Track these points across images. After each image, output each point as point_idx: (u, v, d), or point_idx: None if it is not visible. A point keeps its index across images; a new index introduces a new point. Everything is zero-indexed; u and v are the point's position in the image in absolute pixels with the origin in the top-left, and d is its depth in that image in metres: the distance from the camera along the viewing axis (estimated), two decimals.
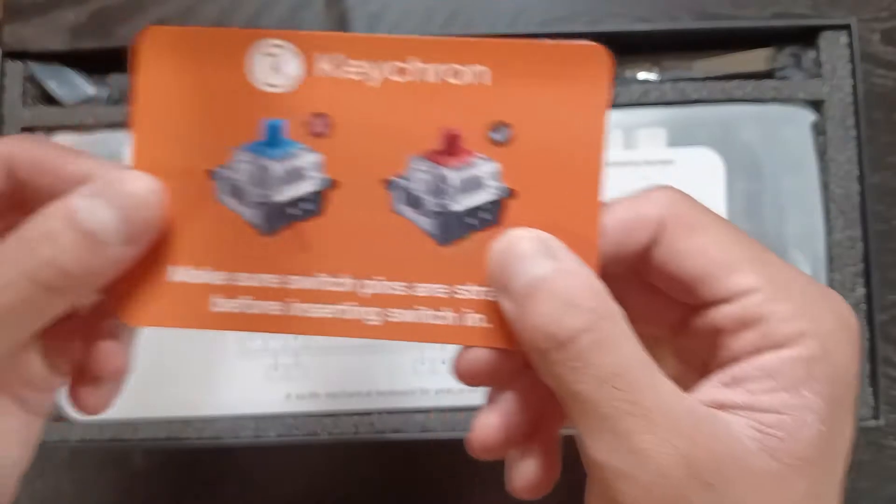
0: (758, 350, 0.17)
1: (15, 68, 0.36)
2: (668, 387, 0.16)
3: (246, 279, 0.19)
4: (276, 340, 0.35)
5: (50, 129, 0.36)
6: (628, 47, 0.37)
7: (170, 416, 0.35)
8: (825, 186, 0.36)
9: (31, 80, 0.37)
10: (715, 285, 0.17)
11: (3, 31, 0.42)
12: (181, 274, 0.19)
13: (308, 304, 0.19)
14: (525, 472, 0.20)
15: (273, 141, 0.19)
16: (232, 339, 0.35)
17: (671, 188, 0.19)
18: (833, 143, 0.36)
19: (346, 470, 0.41)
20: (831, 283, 0.36)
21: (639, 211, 0.18)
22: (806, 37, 0.37)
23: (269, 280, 0.19)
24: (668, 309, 0.19)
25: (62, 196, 0.17)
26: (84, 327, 0.20)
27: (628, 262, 0.18)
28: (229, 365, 0.35)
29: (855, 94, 0.36)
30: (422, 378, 0.35)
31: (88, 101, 0.37)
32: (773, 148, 0.36)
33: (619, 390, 0.16)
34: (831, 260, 0.36)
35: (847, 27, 0.36)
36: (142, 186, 0.18)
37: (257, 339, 0.35)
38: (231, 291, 0.19)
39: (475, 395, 0.36)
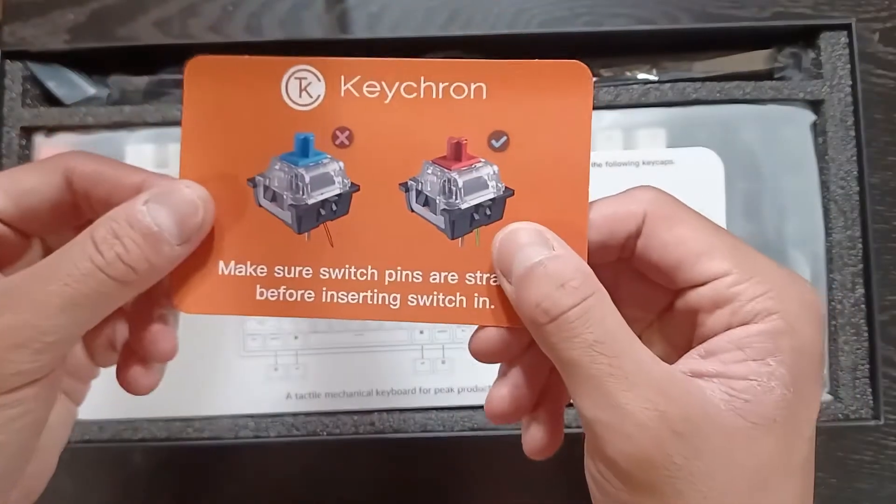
0: (730, 326, 0.19)
1: (15, 68, 0.36)
2: (646, 354, 0.19)
3: (284, 272, 0.22)
4: (276, 340, 0.35)
5: (50, 130, 0.36)
6: (628, 47, 0.37)
7: (170, 416, 0.35)
8: (825, 186, 0.36)
9: (31, 80, 0.37)
10: (691, 270, 0.20)
11: (3, 31, 0.42)
12: (229, 268, 0.22)
13: (338, 292, 0.22)
14: (533, 437, 0.23)
15: (303, 151, 0.22)
16: (232, 340, 0.35)
17: (653, 187, 0.21)
18: (833, 143, 0.36)
19: (346, 470, 0.41)
20: (831, 283, 0.36)
21: (624, 206, 0.21)
22: (806, 37, 0.37)
23: (303, 272, 0.22)
24: (654, 294, 0.22)
25: (123, 203, 0.20)
26: (132, 315, 0.23)
27: (616, 252, 0.21)
28: (230, 365, 0.35)
29: (854, 94, 0.36)
30: (422, 378, 0.35)
31: (88, 101, 0.37)
32: (773, 148, 0.36)
33: (603, 355, 0.18)
34: (831, 260, 0.36)
35: (847, 27, 0.36)
36: (194, 193, 0.21)
37: (258, 339, 0.35)
38: (271, 282, 0.22)
39: (474, 395, 0.36)
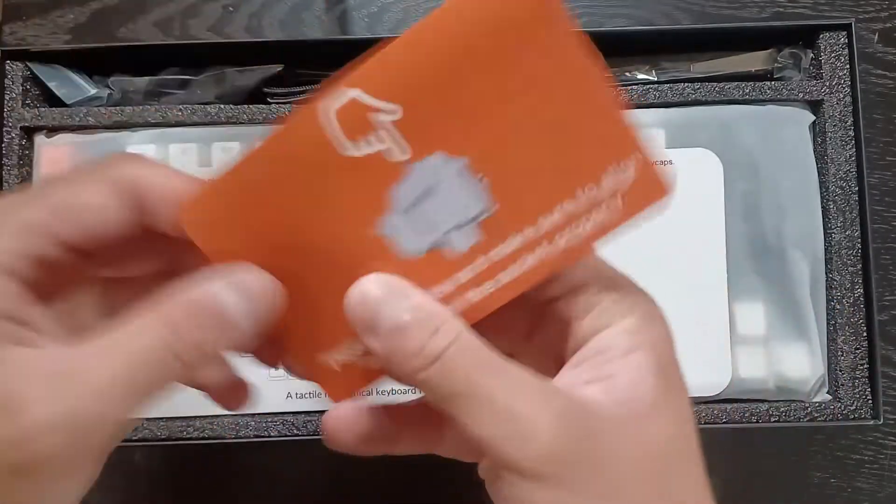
0: (594, 332, 0.20)
1: (15, 68, 0.36)
2: (525, 370, 0.20)
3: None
4: None
5: (51, 130, 0.36)
6: (628, 47, 0.38)
7: (170, 416, 0.35)
8: (824, 187, 0.36)
9: (31, 80, 0.37)
10: (556, 284, 0.21)
11: (3, 31, 0.42)
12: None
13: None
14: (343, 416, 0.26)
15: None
16: None
17: None
18: (832, 143, 0.36)
19: (346, 469, 0.41)
20: (831, 283, 0.36)
21: None
22: (805, 37, 0.37)
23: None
24: (517, 319, 0.23)
25: (194, 280, 0.19)
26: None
27: None
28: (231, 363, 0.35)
29: (854, 94, 0.36)
30: None
31: (89, 101, 0.37)
32: (773, 148, 0.36)
33: (488, 376, 0.19)
34: (831, 260, 0.36)
35: (846, 28, 0.36)
36: (269, 282, 0.20)
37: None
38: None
39: None
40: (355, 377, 0.22)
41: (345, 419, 0.24)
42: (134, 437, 0.35)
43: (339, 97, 0.19)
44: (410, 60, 0.19)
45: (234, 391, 0.24)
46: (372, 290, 0.20)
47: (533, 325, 0.23)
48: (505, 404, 0.19)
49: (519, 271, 0.20)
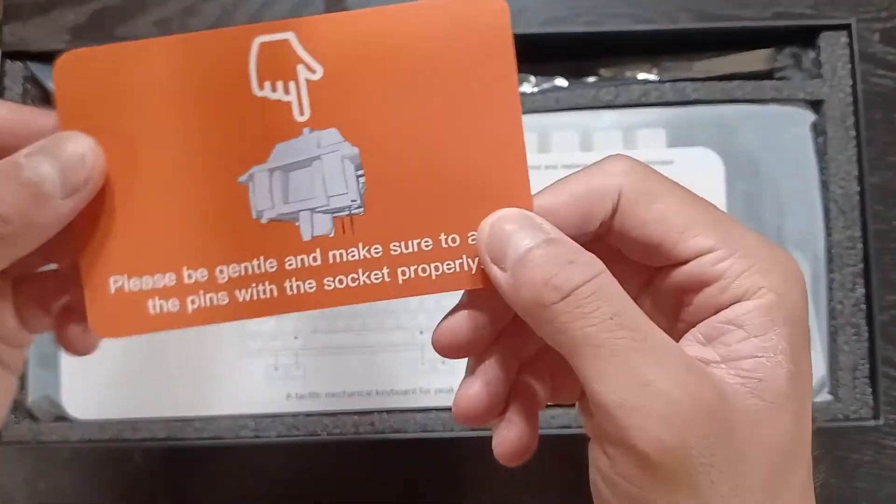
0: (721, 305, 0.18)
1: (15, 68, 0.36)
2: (662, 332, 0.18)
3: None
4: (277, 341, 0.35)
5: None
6: (628, 47, 0.37)
7: (170, 416, 0.35)
8: (825, 186, 0.36)
9: (31, 80, 0.37)
10: (675, 248, 0.19)
11: (3, 31, 0.42)
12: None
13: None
14: (506, 439, 0.22)
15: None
16: (233, 339, 0.35)
17: (625, 157, 0.20)
18: (833, 143, 0.36)
19: (346, 470, 0.41)
20: (831, 283, 0.36)
21: (597, 184, 0.19)
22: (806, 37, 0.37)
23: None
24: (633, 271, 0.21)
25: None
26: (68, 274, 0.21)
27: (592, 233, 0.20)
28: (230, 365, 0.35)
29: (855, 94, 0.36)
30: (422, 378, 0.35)
31: None
32: (773, 148, 0.36)
33: (625, 329, 0.17)
34: (831, 260, 0.36)
35: (847, 27, 0.36)
36: (81, 145, 0.19)
37: (258, 339, 0.35)
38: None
39: None
40: (138, 316, 0.20)
41: (476, 396, 0.21)
42: (134, 437, 0.35)
43: (274, 33, 0.19)
44: (357, 32, 0.18)
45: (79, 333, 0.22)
46: (506, 225, 0.19)
47: (648, 280, 0.21)
48: (641, 368, 0.17)
49: (344, 285, 0.19)
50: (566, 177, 0.20)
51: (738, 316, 0.18)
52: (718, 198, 0.35)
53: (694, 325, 0.19)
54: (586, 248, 0.19)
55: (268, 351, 0.35)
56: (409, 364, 0.35)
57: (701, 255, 0.19)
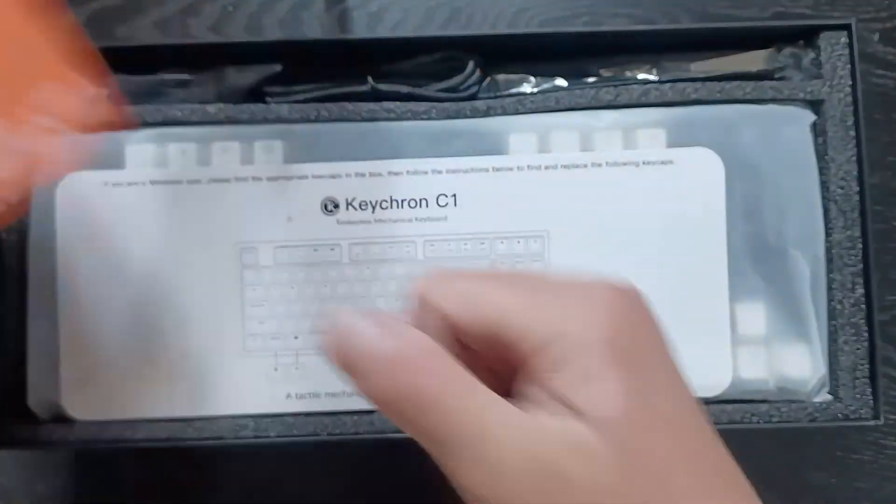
0: (550, 366, 0.19)
1: None
2: (507, 408, 0.19)
3: None
4: (277, 340, 0.35)
5: None
6: (628, 47, 0.37)
7: (170, 416, 0.35)
8: (825, 186, 0.36)
9: None
10: (505, 331, 0.20)
11: None
12: None
13: None
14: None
15: None
16: (232, 339, 0.35)
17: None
18: (833, 143, 0.36)
19: (346, 470, 0.41)
20: (831, 283, 0.36)
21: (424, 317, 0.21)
22: (806, 37, 0.37)
23: None
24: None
25: None
26: None
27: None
28: (231, 363, 0.35)
29: (855, 94, 0.36)
30: None
31: None
32: (773, 148, 0.36)
33: (469, 423, 0.19)
34: (831, 260, 0.36)
35: (847, 27, 0.36)
36: None
37: (257, 339, 0.35)
38: None
39: None
40: None
41: None
42: (133, 438, 0.35)
43: None
44: None
45: None
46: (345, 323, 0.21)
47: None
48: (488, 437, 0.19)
49: None
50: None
51: (561, 377, 0.19)
52: (718, 198, 0.35)
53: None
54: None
55: (267, 351, 0.35)
56: None
57: (500, 315, 0.20)
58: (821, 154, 0.36)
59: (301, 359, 0.35)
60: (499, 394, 0.19)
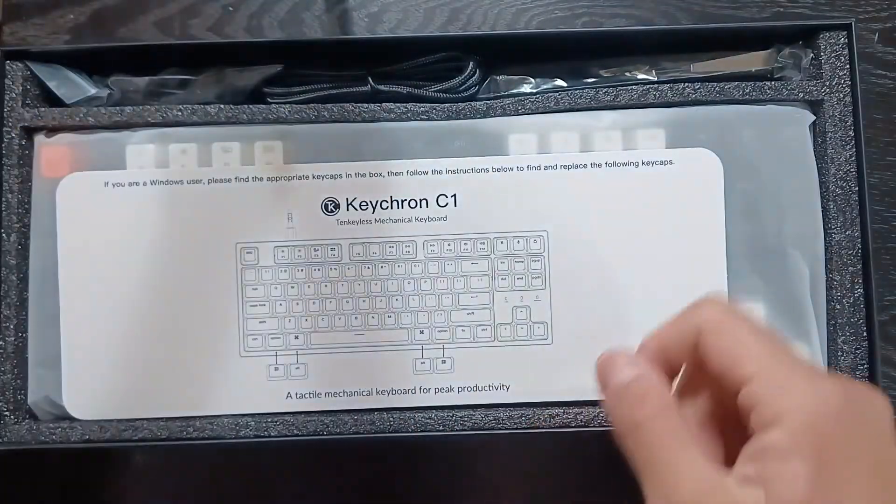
0: (758, 429, 0.21)
1: (15, 68, 0.36)
2: (699, 461, 0.21)
3: None
4: (277, 340, 0.35)
5: (50, 130, 0.36)
6: (628, 47, 0.38)
7: (170, 416, 0.35)
8: (824, 187, 0.36)
9: (31, 80, 0.37)
10: (730, 376, 0.22)
11: (4, 31, 0.42)
12: None
13: None
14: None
15: None
16: (232, 339, 0.35)
17: (711, 300, 0.23)
18: (832, 143, 0.36)
19: (347, 470, 0.41)
20: (831, 283, 0.36)
21: (683, 324, 0.24)
22: (805, 37, 0.37)
23: None
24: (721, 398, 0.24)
25: None
26: None
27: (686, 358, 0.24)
28: (231, 363, 0.35)
29: (854, 94, 0.36)
30: (422, 377, 0.35)
31: (89, 101, 0.37)
32: (773, 148, 0.36)
33: (685, 472, 0.21)
34: (830, 260, 0.36)
35: (846, 27, 0.36)
36: None
37: (258, 339, 0.35)
38: None
39: (475, 395, 0.35)
40: None
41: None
42: (134, 437, 0.35)
43: None
44: None
45: None
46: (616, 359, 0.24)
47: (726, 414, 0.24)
48: (676, 488, 0.21)
49: None
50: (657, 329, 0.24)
51: (767, 439, 0.20)
52: (717, 198, 0.36)
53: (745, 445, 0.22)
54: (694, 373, 0.24)
55: (268, 350, 0.35)
56: (409, 363, 0.35)
57: (747, 383, 0.21)
58: (820, 154, 0.36)
59: (302, 358, 0.35)
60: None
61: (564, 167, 0.35)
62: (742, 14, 0.42)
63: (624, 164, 0.35)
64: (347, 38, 0.42)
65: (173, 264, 0.35)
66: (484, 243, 0.35)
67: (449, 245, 0.35)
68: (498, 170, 0.35)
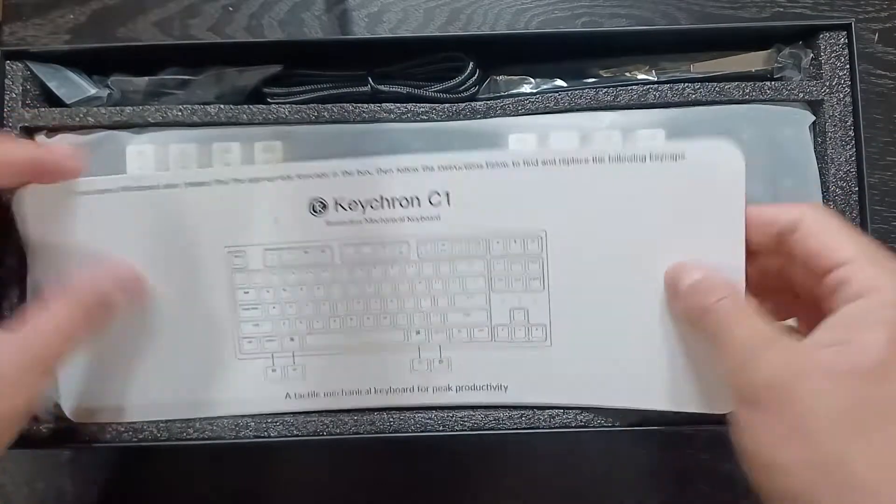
0: (846, 301, 0.24)
1: (15, 68, 0.36)
2: (771, 328, 0.26)
3: None
4: (273, 342, 0.35)
5: (51, 130, 0.36)
6: (627, 48, 0.38)
7: (169, 417, 0.35)
8: (824, 187, 0.36)
9: (31, 80, 0.37)
10: (825, 259, 0.26)
11: (4, 31, 0.42)
12: None
13: None
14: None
15: None
16: (227, 343, 0.35)
17: (813, 203, 0.30)
18: (832, 143, 0.36)
19: (346, 469, 0.41)
20: None
21: (778, 213, 0.29)
22: (805, 37, 0.37)
23: None
24: (802, 282, 0.29)
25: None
26: None
27: (774, 241, 0.29)
28: (228, 366, 0.35)
29: (854, 94, 0.36)
30: (419, 377, 0.35)
31: (89, 101, 0.37)
32: (773, 149, 0.36)
33: (748, 330, 0.26)
34: None
35: (846, 27, 0.36)
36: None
37: (253, 342, 0.35)
38: None
39: (473, 394, 0.35)
40: None
41: None
42: (134, 438, 0.35)
43: None
44: None
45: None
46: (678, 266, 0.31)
47: (812, 290, 0.28)
48: (743, 344, 0.26)
49: None
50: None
51: (852, 311, 0.24)
52: (736, 195, 0.32)
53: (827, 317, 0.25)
54: (770, 256, 0.30)
55: (264, 353, 0.35)
56: (406, 363, 0.35)
57: (842, 265, 0.25)
58: (820, 154, 0.36)
59: (299, 359, 0.35)
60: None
61: (564, 162, 0.33)
62: (742, 14, 0.42)
63: (629, 159, 0.32)
64: (347, 38, 0.42)
65: (165, 269, 0.34)
66: (479, 244, 0.34)
67: (443, 246, 0.34)
68: (493, 165, 0.33)
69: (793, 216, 0.28)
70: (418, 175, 0.33)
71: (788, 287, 0.30)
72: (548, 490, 0.41)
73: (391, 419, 0.35)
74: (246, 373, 0.35)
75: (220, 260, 0.34)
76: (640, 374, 0.33)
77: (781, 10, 0.42)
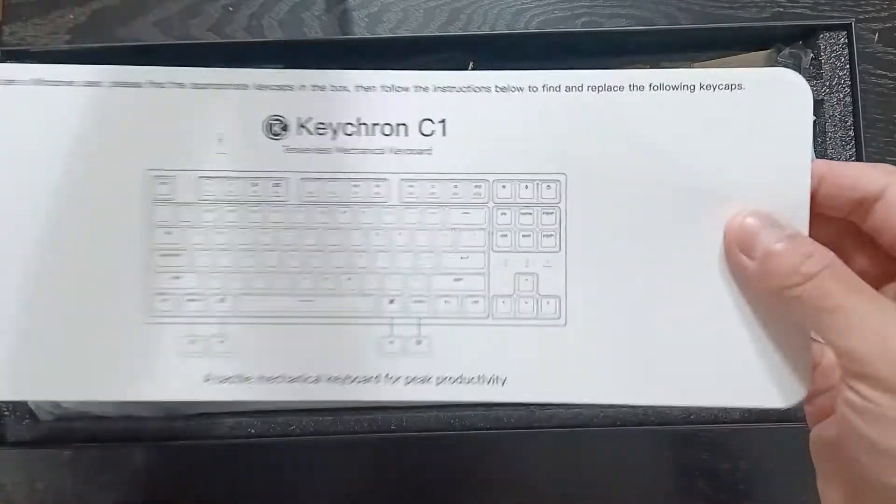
0: None
1: None
2: (885, 298, 0.23)
3: None
4: (196, 303, 0.26)
5: None
6: (628, 48, 0.38)
7: (170, 416, 0.35)
8: None
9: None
10: None
11: (3, 31, 0.42)
12: None
13: None
14: None
15: None
16: (133, 299, 0.26)
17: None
18: (832, 143, 0.36)
19: (347, 469, 0.41)
20: None
21: (864, 172, 0.25)
22: (805, 37, 0.37)
23: None
24: (880, 263, 0.26)
25: None
26: None
27: (847, 208, 0.25)
28: (132, 331, 0.26)
29: (854, 94, 0.36)
30: (389, 362, 0.26)
31: None
32: None
33: (862, 299, 0.22)
34: None
35: (846, 28, 0.36)
36: None
37: (169, 300, 0.26)
38: None
39: (459, 389, 0.26)
40: None
41: None
42: (134, 438, 0.35)
43: None
44: None
45: None
46: (750, 220, 0.24)
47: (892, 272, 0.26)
48: (876, 324, 0.22)
49: None
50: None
51: None
52: (804, 137, 0.26)
53: None
54: (840, 234, 0.25)
55: (182, 316, 0.26)
56: (373, 342, 0.26)
57: None
58: (820, 154, 0.36)
59: (229, 328, 0.26)
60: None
61: (593, 89, 0.26)
62: (742, 14, 0.42)
63: (675, 88, 0.26)
64: (347, 38, 0.42)
65: (64, 193, 0.26)
66: (480, 186, 0.26)
67: (433, 187, 0.26)
68: (503, 89, 0.26)
69: (880, 184, 0.24)
70: (408, 96, 0.26)
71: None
72: (547, 490, 0.41)
73: (391, 419, 0.35)
74: (155, 342, 0.26)
75: (138, 186, 0.26)
76: (687, 361, 0.26)
77: (781, 10, 0.42)
